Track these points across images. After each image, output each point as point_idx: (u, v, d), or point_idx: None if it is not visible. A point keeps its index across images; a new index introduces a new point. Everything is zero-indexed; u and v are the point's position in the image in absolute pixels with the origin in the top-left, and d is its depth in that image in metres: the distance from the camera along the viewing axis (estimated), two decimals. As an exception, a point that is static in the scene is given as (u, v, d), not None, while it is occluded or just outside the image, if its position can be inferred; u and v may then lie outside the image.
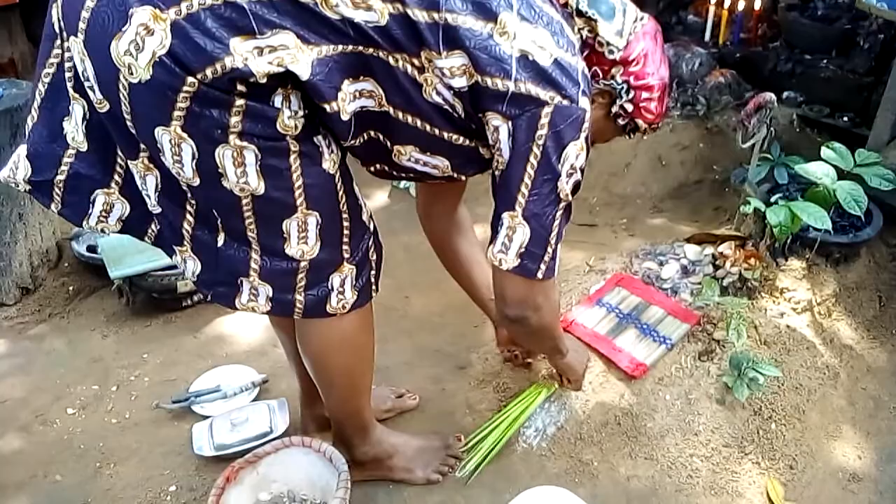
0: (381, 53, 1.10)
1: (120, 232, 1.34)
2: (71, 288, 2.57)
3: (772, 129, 1.98)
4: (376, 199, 2.98)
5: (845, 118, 2.85)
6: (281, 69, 1.04)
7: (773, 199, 2.13)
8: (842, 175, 1.95)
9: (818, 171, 1.90)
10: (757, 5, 3.21)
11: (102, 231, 1.33)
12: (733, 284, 2.04)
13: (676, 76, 3.08)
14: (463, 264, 1.77)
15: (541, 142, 1.17)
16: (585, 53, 1.32)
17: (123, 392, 2.12)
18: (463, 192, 1.71)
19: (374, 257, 1.40)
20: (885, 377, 2.01)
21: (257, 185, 1.14)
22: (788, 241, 2.08)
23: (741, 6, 3.20)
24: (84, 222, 1.31)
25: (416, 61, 1.12)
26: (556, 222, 1.26)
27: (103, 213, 1.29)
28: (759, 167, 2.20)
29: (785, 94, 3.01)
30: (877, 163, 1.93)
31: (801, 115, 2.92)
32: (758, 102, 1.90)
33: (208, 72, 1.02)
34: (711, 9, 3.27)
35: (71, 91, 1.18)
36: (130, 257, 2.30)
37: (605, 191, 2.88)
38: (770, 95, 1.91)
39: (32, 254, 2.52)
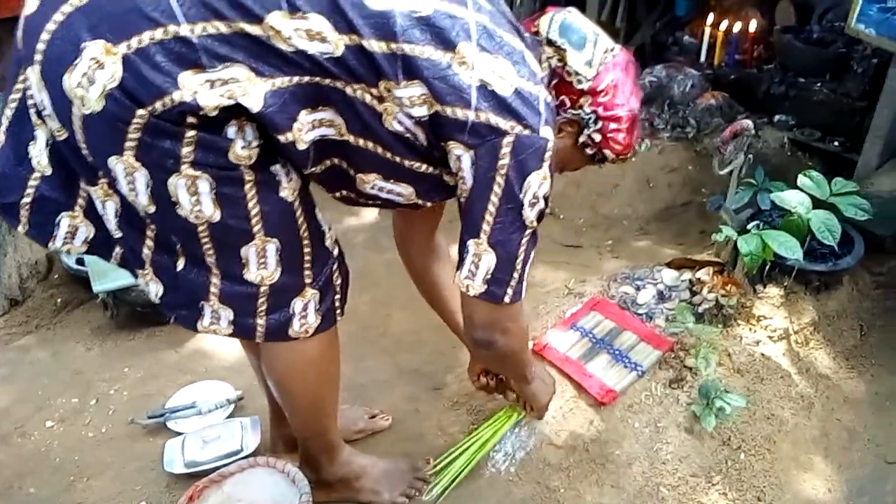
0: (338, 84, 1.11)
1: (86, 253, 1.35)
2: (59, 300, 2.61)
3: (749, 156, 1.97)
4: (365, 214, 3.00)
5: (836, 142, 2.83)
6: (232, 101, 1.05)
7: (750, 226, 2.11)
8: (819, 204, 1.94)
9: (793, 200, 1.89)
10: (752, 27, 3.20)
11: (69, 252, 1.36)
12: (709, 311, 2.03)
13: (668, 97, 3.08)
14: (439, 291, 1.78)
15: (503, 171, 1.18)
16: (555, 82, 1.33)
17: (102, 405, 2.15)
18: (440, 218, 1.71)
19: (339, 282, 1.41)
20: (861, 408, 1.99)
21: (212, 212, 1.16)
22: (767, 268, 2.07)
23: (737, 28, 3.20)
24: (50, 244, 1.32)
25: (374, 91, 1.13)
26: (523, 248, 1.27)
27: (69, 235, 1.31)
28: (742, 192, 2.19)
29: (777, 117, 3.00)
30: (853, 192, 1.91)
31: (791, 138, 2.90)
32: (734, 130, 1.89)
33: (158, 105, 1.03)
34: (707, 30, 3.26)
35: (34, 117, 1.20)
36: (114, 271, 2.30)
37: (592, 211, 2.87)
38: (747, 123, 1.90)
39: (22, 266, 2.55)
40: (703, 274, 2.11)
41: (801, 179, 1.93)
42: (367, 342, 2.36)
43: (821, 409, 1.94)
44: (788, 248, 1.79)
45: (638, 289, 2.15)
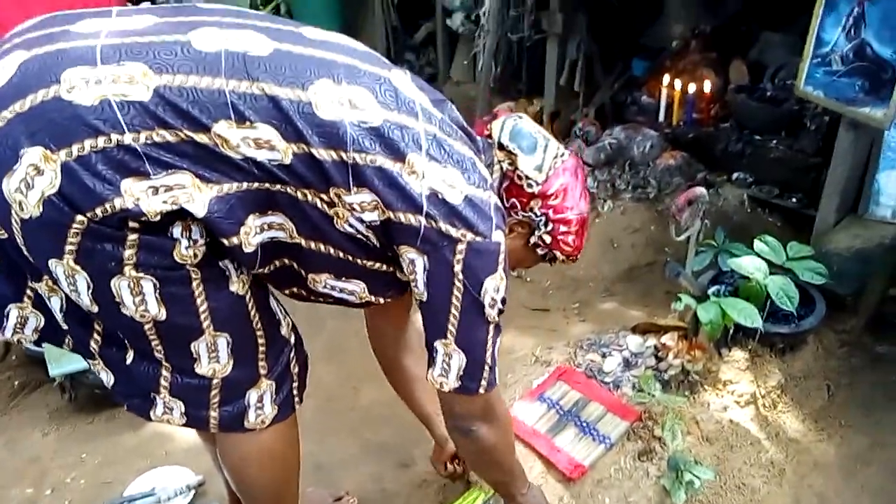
0: (288, 189, 1.11)
1: (37, 343, 1.33)
2: (16, 382, 2.53)
3: (706, 221, 1.99)
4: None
5: (794, 199, 2.88)
6: (175, 207, 1.04)
7: (712, 291, 2.12)
8: (777, 266, 1.96)
9: (750, 266, 1.90)
10: (707, 87, 3.28)
11: (19, 342, 1.33)
12: (675, 378, 2.02)
13: (628, 158, 3.13)
14: (410, 383, 1.76)
15: (460, 277, 1.19)
16: (505, 185, 1.35)
17: (58, 496, 2.07)
18: (409, 308, 1.70)
19: (297, 370, 1.39)
20: (832, 472, 1.97)
21: (158, 311, 1.13)
22: (731, 331, 2.07)
23: (692, 88, 3.28)
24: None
25: (324, 196, 1.13)
26: (489, 342, 1.28)
27: (18, 326, 1.28)
28: (703, 254, 2.21)
29: (735, 174, 3.05)
30: (808, 256, 1.93)
31: (751, 195, 2.95)
32: (688, 197, 1.92)
33: (98, 211, 1.02)
34: (664, 90, 3.34)
35: None
36: (71, 354, 2.26)
37: (559, 274, 2.87)
38: (701, 190, 1.93)
39: (-24, 349, 2.48)
40: (668, 339, 2.11)
41: (758, 245, 1.96)
42: (332, 416, 2.31)
43: (792, 475, 1.92)
44: (748, 315, 1.80)
45: (604, 356, 2.14)
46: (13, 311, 1.26)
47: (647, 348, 2.12)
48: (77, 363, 2.25)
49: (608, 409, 1.95)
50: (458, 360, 1.26)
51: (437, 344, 1.26)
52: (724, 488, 1.82)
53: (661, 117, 3.36)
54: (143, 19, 1.10)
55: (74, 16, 1.12)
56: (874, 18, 2.15)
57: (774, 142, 3.02)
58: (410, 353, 1.72)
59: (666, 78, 3.35)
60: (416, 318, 1.58)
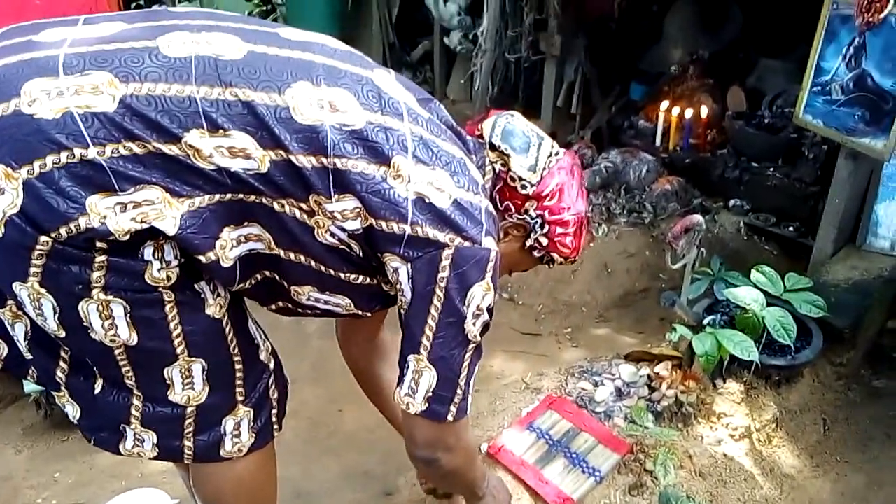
0: (264, 199, 1.05)
1: (0, 371, 1.26)
2: (-10, 397, 2.47)
3: (702, 249, 1.95)
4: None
5: (791, 227, 2.85)
6: (145, 226, 0.99)
7: (707, 320, 2.08)
8: (774, 297, 1.91)
9: (747, 297, 1.86)
10: (704, 113, 3.26)
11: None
12: (668, 409, 1.97)
13: (624, 182, 3.09)
14: (383, 391, 1.69)
15: (443, 284, 1.12)
16: (499, 187, 1.29)
17: (28, 517, 2.00)
18: (384, 317, 1.65)
19: (276, 395, 1.33)
20: (827, 510, 1.92)
21: (129, 336, 1.08)
22: (725, 362, 2.02)
23: (689, 114, 3.25)
24: None
25: (304, 205, 1.07)
26: (465, 363, 1.20)
27: None
28: (698, 282, 2.17)
29: (732, 201, 3.02)
30: (806, 288, 1.89)
31: (747, 223, 2.92)
32: (685, 225, 1.88)
33: (62, 231, 0.96)
34: (661, 115, 3.32)
35: None
36: (47, 370, 2.20)
37: (551, 298, 2.83)
38: (698, 218, 1.89)
39: (-50, 362, 2.41)
40: (661, 369, 2.06)
41: (755, 275, 1.91)
42: (315, 442, 2.24)
43: (786, 513, 1.87)
44: (744, 348, 1.75)
45: (596, 385, 2.08)
46: None
47: (640, 377, 2.06)
48: (53, 379, 2.19)
49: (599, 441, 1.89)
50: (429, 378, 1.17)
51: (410, 359, 1.17)
52: (717, 526, 1.76)
53: (658, 142, 3.34)
54: (110, 26, 1.05)
55: (39, 25, 1.07)
56: (875, 49, 2.13)
57: (772, 169, 3.00)
58: (384, 360, 1.65)
59: (664, 103, 3.33)
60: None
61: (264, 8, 5.20)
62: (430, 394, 1.19)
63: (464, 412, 1.24)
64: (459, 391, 1.21)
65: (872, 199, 2.52)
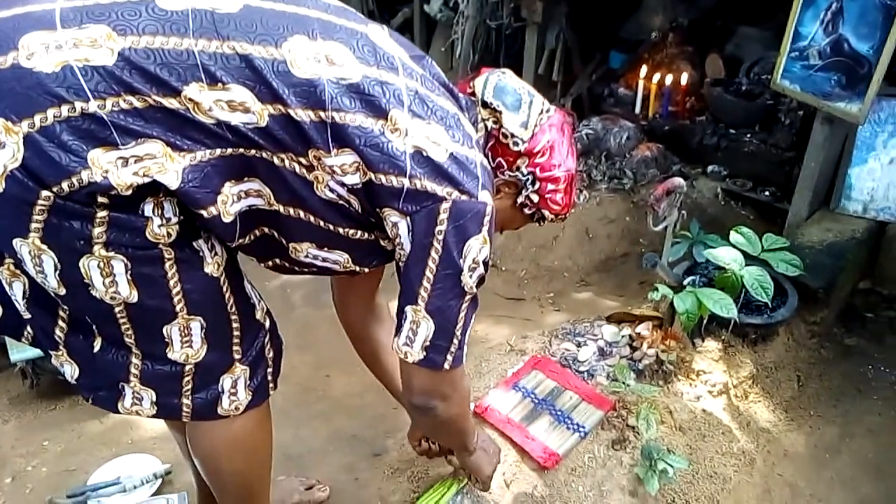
0: (264, 154, 1.06)
1: None
2: (-25, 368, 2.45)
3: (683, 212, 1.99)
4: (304, 270, 2.93)
5: (767, 192, 2.91)
6: (147, 179, 0.99)
7: (687, 281, 2.13)
8: (752, 258, 1.97)
9: (726, 257, 1.91)
10: (684, 80, 3.29)
11: None
12: (649, 367, 2.02)
13: (605, 149, 3.13)
14: (378, 355, 1.72)
15: (441, 237, 1.14)
16: (490, 144, 1.31)
17: (18, 484, 2.01)
18: (379, 281, 1.66)
19: (271, 354, 1.35)
20: (802, 462, 1.99)
21: (129, 293, 1.09)
22: (704, 321, 2.08)
23: (669, 81, 3.29)
24: None
25: (303, 160, 1.08)
26: (462, 314, 1.23)
27: None
28: (678, 245, 2.21)
29: (710, 167, 3.07)
30: (784, 248, 1.95)
31: (725, 188, 2.97)
32: (666, 187, 1.91)
33: (64, 185, 0.97)
34: (641, 83, 3.34)
35: None
36: (33, 339, 2.19)
37: (534, 263, 2.87)
38: (679, 181, 1.93)
39: (-67, 333, 2.39)
40: (642, 329, 2.11)
41: (734, 236, 1.96)
42: (304, 406, 2.27)
43: (762, 464, 1.94)
44: (723, 306, 1.80)
45: (579, 345, 2.13)
46: None
47: (621, 338, 2.11)
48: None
49: (583, 399, 1.94)
50: (426, 328, 1.20)
51: (408, 310, 1.20)
52: (696, 477, 1.82)
53: (638, 109, 3.38)
54: None
55: None
56: (852, 14, 2.17)
57: (749, 136, 3.05)
58: (379, 324, 1.67)
59: (643, 70, 3.36)
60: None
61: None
62: (428, 343, 1.22)
63: (459, 361, 1.27)
64: (456, 340, 1.24)
65: (846, 163, 2.58)
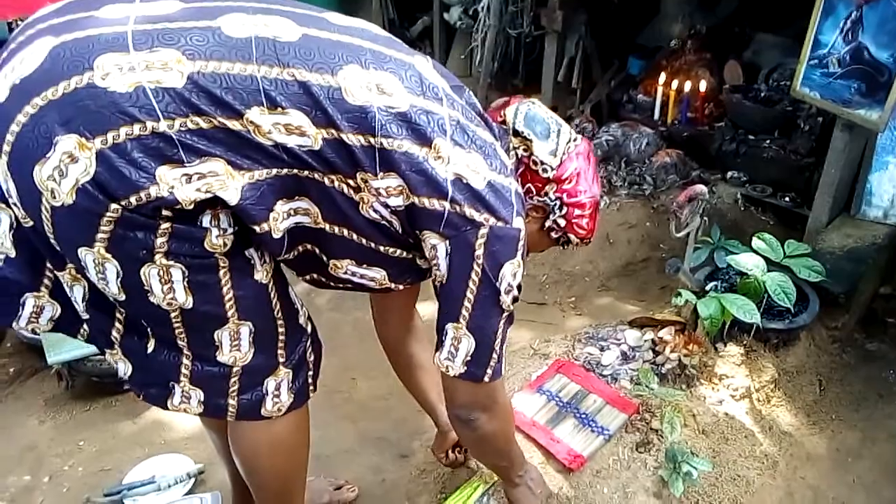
0: (315, 175, 1.12)
1: (52, 331, 1.32)
2: (12, 370, 2.52)
3: (705, 218, 2.02)
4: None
5: (787, 198, 2.92)
6: (209, 195, 1.04)
7: (709, 287, 2.15)
8: (774, 263, 1.99)
9: (749, 263, 1.93)
10: (703, 87, 3.31)
11: (34, 332, 1.32)
12: (672, 371, 2.05)
13: (624, 155, 3.15)
14: (414, 370, 1.78)
15: (479, 261, 1.21)
16: (520, 171, 1.37)
17: (55, 483, 2.07)
18: (416, 297, 1.72)
19: (312, 358, 1.40)
20: (824, 466, 2.01)
21: (185, 299, 1.14)
22: (727, 327, 2.10)
23: (687, 87, 3.31)
24: (14, 323, 1.29)
25: (351, 182, 1.14)
26: (500, 330, 1.29)
27: (34, 315, 1.27)
28: (699, 251, 2.24)
29: (730, 173, 3.09)
30: (806, 254, 1.97)
31: (745, 194, 2.99)
32: (689, 194, 1.95)
33: (132, 199, 1.01)
34: (660, 89, 3.37)
35: None
36: (69, 342, 2.25)
37: (555, 268, 2.90)
38: (701, 188, 1.96)
39: (-29, 335, 2.47)
40: (665, 333, 2.14)
41: (756, 242, 1.99)
42: (331, 409, 2.32)
43: (785, 467, 1.96)
44: (746, 311, 1.83)
45: (602, 349, 2.16)
46: (29, 300, 1.25)
47: (644, 342, 2.14)
48: (75, 350, 2.24)
49: (607, 402, 1.97)
50: (467, 344, 1.27)
51: (449, 327, 1.27)
52: (719, 480, 1.85)
53: (657, 115, 3.40)
54: (168, 4, 1.10)
55: (96, 1, 1.11)
56: (872, 22, 2.19)
57: (768, 142, 3.06)
58: (416, 341, 1.74)
59: (662, 77, 3.39)
60: (423, 306, 1.59)
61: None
62: (469, 357, 1.29)
63: (499, 373, 1.34)
64: (494, 354, 1.31)
65: (866, 169, 2.60)
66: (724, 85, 3.35)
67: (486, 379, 1.31)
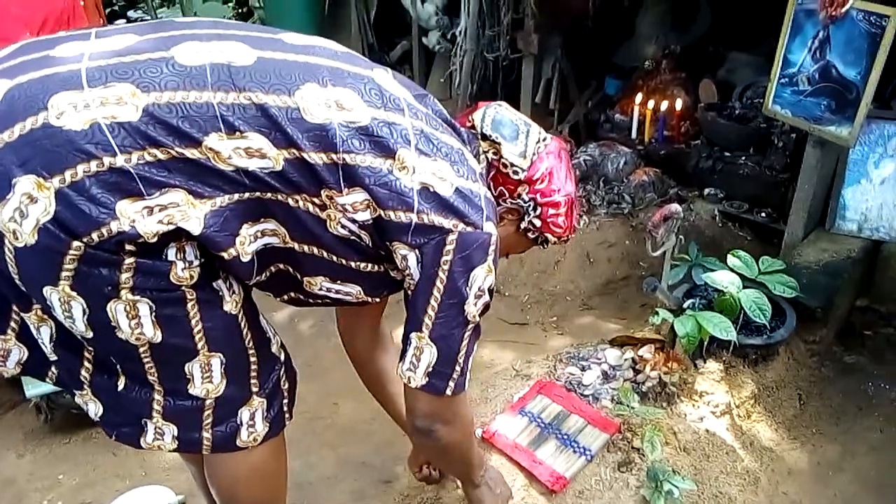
0: (279, 196, 1.12)
1: (20, 374, 1.30)
2: (-11, 403, 2.49)
3: (681, 237, 2.04)
4: (311, 300, 2.97)
5: (763, 213, 2.96)
6: (171, 227, 1.04)
7: (687, 304, 2.17)
8: (749, 280, 2.01)
9: (724, 281, 1.96)
10: (678, 106, 3.36)
11: (1, 375, 1.31)
12: (653, 389, 2.06)
13: (603, 174, 3.19)
14: (383, 383, 1.76)
15: (447, 267, 1.20)
16: (492, 174, 1.38)
17: (35, 518, 2.04)
18: (383, 309, 1.71)
19: (287, 386, 1.39)
20: (805, 480, 2.02)
21: (153, 334, 1.13)
22: (705, 343, 2.12)
23: (664, 106, 3.36)
24: None
25: (316, 200, 1.14)
26: (465, 342, 1.28)
27: (0, 359, 1.27)
28: (676, 269, 2.26)
29: (707, 190, 3.13)
30: (780, 270, 1.99)
31: (722, 210, 3.02)
32: (664, 214, 1.97)
33: (94, 235, 1.01)
34: (636, 108, 3.42)
35: None
36: (48, 374, 2.23)
37: (536, 288, 2.92)
38: (676, 207, 1.98)
39: (-52, 370, 2.43)
40: (645, 352, 2.15)
41: (731, 260, 2.01)
42: (313, 434, 2.31)
43: (766, 483, 1.97)
44: (722, 328, 1.84)
45: (583, 369, 2.17)
46: None
47: (624, 361, 2.15)
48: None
49: (588, 422, 1.98)
50: (429, 354, 1.25)
51: (412, 336, 1.25)
52: (701, 497, 1.85)
53: (634, 134, 3.44)
54: (123, 39, 1.10)
55: (51, 41, 1.11)
56: (839, 41, 2.24)
57: (743, 158, 3.10)
58: (384, 352, 1.73)
59: (638, 96, 3.43)
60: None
61: (241, 11, 5.22)
62: (430, 369, 1.27)
63: (462, 387, 1.32)
64: (458, 367, 1.29)
65: (840, 184, 2.64)
66: (699, 103, 3.40)
67: (448, 392, 1.29)
